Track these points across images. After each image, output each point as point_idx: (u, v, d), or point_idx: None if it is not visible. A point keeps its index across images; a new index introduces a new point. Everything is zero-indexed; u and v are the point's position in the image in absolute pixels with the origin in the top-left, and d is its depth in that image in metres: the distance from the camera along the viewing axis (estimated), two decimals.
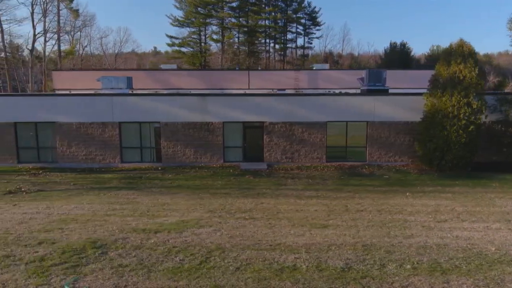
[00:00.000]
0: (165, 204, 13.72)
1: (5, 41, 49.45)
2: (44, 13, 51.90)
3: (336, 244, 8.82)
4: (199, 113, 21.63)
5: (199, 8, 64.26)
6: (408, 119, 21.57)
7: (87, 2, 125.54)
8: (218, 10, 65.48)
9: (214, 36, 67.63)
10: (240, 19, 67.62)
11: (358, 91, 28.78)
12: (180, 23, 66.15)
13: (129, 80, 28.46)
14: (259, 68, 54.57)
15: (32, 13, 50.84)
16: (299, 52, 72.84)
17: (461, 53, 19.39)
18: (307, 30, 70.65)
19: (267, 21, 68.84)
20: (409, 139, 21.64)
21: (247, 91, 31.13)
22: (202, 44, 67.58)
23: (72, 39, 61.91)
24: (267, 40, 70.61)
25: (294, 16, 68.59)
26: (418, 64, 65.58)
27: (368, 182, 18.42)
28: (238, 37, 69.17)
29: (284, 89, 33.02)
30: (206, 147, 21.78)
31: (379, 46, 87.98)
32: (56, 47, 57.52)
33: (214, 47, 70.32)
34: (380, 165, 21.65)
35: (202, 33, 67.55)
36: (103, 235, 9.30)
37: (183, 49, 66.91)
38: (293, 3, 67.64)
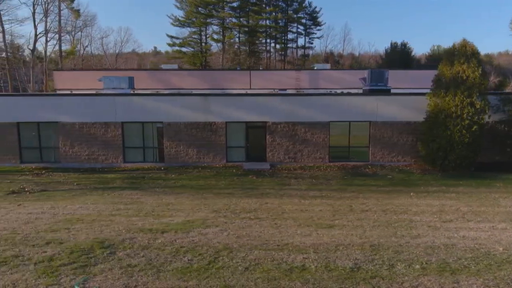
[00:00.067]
0: (169, 204, 13.70)
1: (6, 41, 49.40)
2: (46, 13, 51.92)
3: (343, 244, 8.82)
4: (202, 113, 21.62)
5: (199, 8, 64.30)
6: (411, 119, 21.58)
7: (88, 2, 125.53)
8: (219, 10, 65.51)
9: (215, 36, 67.73)
10: (241, 19, 67.64)
11: (360, 91, 28.83)
12: (180, 23, 66.19)
13: (131, 80, 28.45)
14: (260, 68, 54.58)
15: (34, 13, 50.91)
16: (300, 52, 72.93)
17: (464, 53, 19.40)
18: (307, 30, 70.72)
19: (267, 21, 68.87)
20: (412, 139, 21.64)
21: (249, 91, 31.14)
22: (203, 44, 67.61)
23: (73, 39, 61.94)
24: (268, 40, 70.66)
25: (295, 16, 68.64)
26: (419, 64, 65.65)
27: (372, 182, 18.42)
28: (239, 37, 69.23)
29: (285, 89, 33.02)
30: (209, 147, 21.77)
31: (380, 46, 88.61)
32: (57, 47, 57.58)
33: (214, 47, 70.50)
34: (383, 165, 21.65)
35: (202, 33, 67.61)
36: (110, 235, 9.29)
37: (184, 49, 66.98)
38: (294, 3, 67.68)
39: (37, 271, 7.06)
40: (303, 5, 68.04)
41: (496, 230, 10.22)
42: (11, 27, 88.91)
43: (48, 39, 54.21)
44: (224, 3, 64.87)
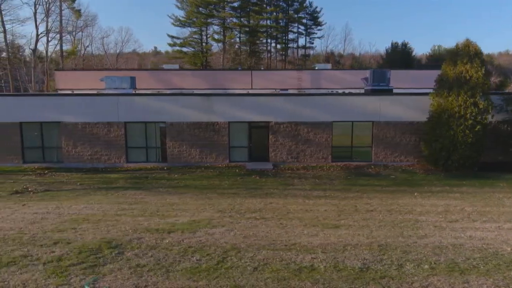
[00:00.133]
0: (174, 204, 13.69)
1: (8, 41, 49.36)
2: (47, 13, 51.93)
3: (351, 244, 8.82)
4: (205, 113, 21.62)
5: (200, 8, 64.30)
6: (414, 119, 21.58)
7: (88, 2, 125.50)
8: (220, 10, 65.50)
9: (216, 36, 67.75)
10: (242, 19, 67.64)
11: (361, 91, 28.81)
12: (181, 23, 66.20)
13: (133, 80, 28.43)
14: (261, 68, 54.58)
15: (35, 13, 50.90)
16: (301, 52, 72.93)
17: (467, 53, 19.41)
18: (308, 30, 70.73)
19: (268, 21, 68.88)
20: (414, 139, 21.65)
21: (250, 91, 31.16)
22: (204, 44, 67.61)
23: (74, 39, 61.90)
24: (269, 40, 70.68)
25: (296, 16, 68.64)
26: (420, 64, 65.65)
27: (375, 182, 18.42)
28: (240, 37, 69.24)
29: (286, 89, 33.02)
30: (212, 147, 21.77)
31: (381, 46, 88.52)
32: (58, 47, 57.59)
33: (215, 47, 70.49)
34: (386, 165, 21.65)
35: (203, 33, 67.63)
36: (117, 235, 9.28)
37: (185, 49, 66.97)
38: (295, 3, 67.68)
39: (47, 271, 7.05)
40: (304, 5, 68.05)
41: (503, 230, 10.22)
42: (12, 27, 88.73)
43: (50, 39, 54.28)
44: (225, 3, 64.88)
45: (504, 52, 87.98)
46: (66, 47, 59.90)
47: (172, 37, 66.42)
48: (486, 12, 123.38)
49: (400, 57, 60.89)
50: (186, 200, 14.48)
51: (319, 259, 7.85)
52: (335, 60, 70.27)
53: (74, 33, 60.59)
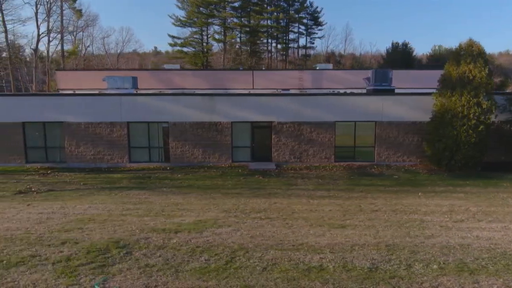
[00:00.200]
0: (178, 204, 13.69)
1: (9, 41, 49.30)
2: (48, 13, 51.83)
3: (358, 244, 8.81)
4: (207, 113, 21.60)
5: (201, 8, 64.28)
6: (416, 119, 21.58)
7: (89, 2, 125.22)
8: (220, 10, 65.50)
9: (216, 36, 67.72)
10: (242, 19, 67.62)
11: (363, 91, 28.79)
12: (182, 23, 66.16)
13: (134, 80, 28.45)
14: (263, 68, 54.58)
15: (36, 13, 50.83)
16: (301, 52, 72.92)
17: (470, 53, 19.41)
18: (309, 30, 70.71)
19: (269, 21, 68.86)
20: (417, 139, 21.65)
21: (251, 91, 31.14)
22: (204, 44, 67.59)
23: (75, 39, 61.85)
24: (269, 40, 70.66)
25: (296, 16, 68.63)
26: (420, 64, 65.65)
27: (379, 182, 18.41)
28: (240, 37, 69.23)
29: (288, 89, 33.01)
30: (215, 147, 21.76)
31: (381, 46, 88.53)
32: (59, 47, 57.52)
33: (216, 47, 70.47)
34: (388, 165, 21.65)
35: (204, 33, 67.60)
36: (124, 235, 9.28)
37: (185, 49, 66.92)
38: (295, 3, 67.68)
39: (56, 271, 7.05)
40: (305, 5, 68.03)
41: (509, 230, 10.22)
42: (13, 27, 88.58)
43: (51, 39, 54.21)
44: (226, 3, 64.86)
45: (505, 52, 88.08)
46: (67, 47, 59.90)
47: (173, 37, 66.49)
48: (487, 12, 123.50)
49: (400, 57, 60.86)
50: (190, 200, 14.48)
51: (327, 259, 7.85)
52: (336, 60, 70.26)
53: (75, 33, 60.56)
